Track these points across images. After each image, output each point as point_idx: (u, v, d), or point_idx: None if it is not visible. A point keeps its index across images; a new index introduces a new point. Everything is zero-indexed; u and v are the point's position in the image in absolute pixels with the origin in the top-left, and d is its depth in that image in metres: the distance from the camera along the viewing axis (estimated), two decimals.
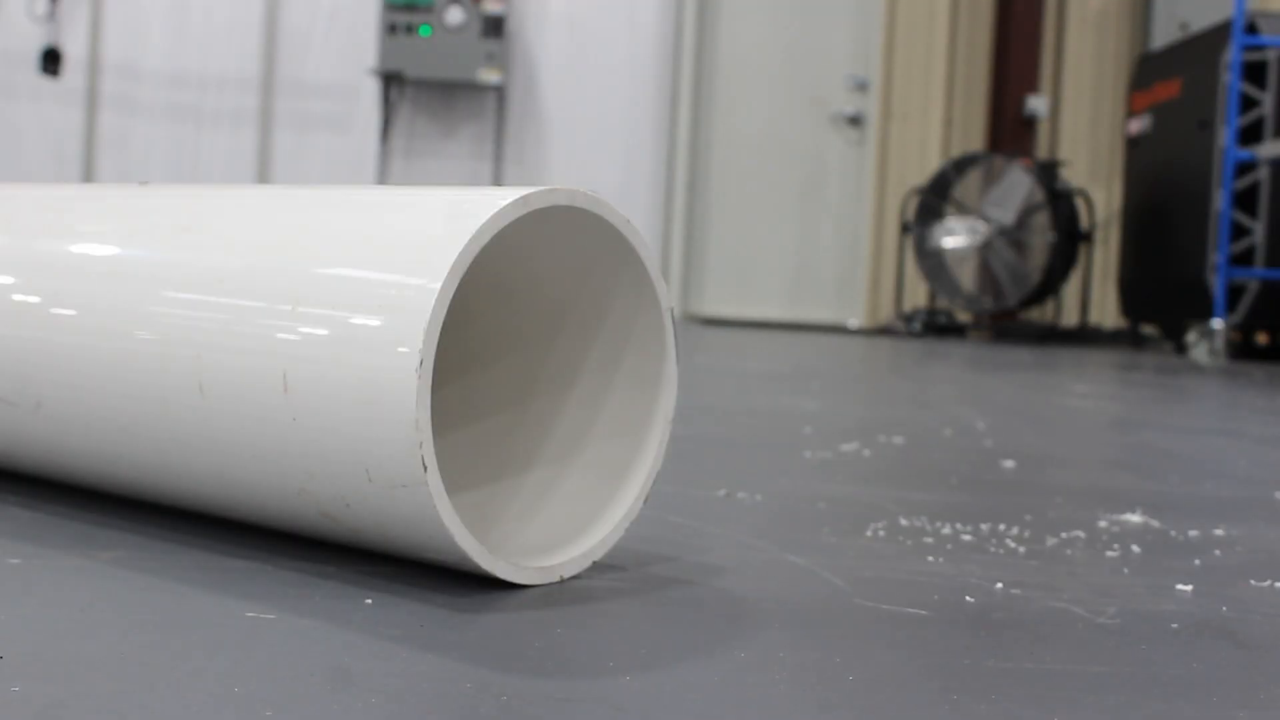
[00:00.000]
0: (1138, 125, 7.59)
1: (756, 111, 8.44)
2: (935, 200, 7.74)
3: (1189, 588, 1.14)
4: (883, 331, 7.98)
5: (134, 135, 8.27)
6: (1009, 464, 2.00)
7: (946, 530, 1.36)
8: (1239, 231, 6.57)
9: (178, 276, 1.14)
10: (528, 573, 1.03)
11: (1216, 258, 6.41)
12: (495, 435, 1.26)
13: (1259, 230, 6.56)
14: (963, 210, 7.81)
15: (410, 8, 7.77)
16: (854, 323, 8.42)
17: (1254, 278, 6.49)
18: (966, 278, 7.80)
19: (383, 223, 1.07)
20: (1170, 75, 7.24)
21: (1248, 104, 6.53)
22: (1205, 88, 6.77)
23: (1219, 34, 6.68)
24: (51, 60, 7.50)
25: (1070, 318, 8.39)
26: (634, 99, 8.30)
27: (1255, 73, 6.57)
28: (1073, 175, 8.31)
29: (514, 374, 1.27)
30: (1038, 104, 8.45)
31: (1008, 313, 7.91)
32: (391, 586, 0.99)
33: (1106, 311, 8.68)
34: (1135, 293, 7.61)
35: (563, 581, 1.06)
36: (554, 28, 8.27)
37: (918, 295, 8.31)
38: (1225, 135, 6.37)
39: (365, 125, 8.23)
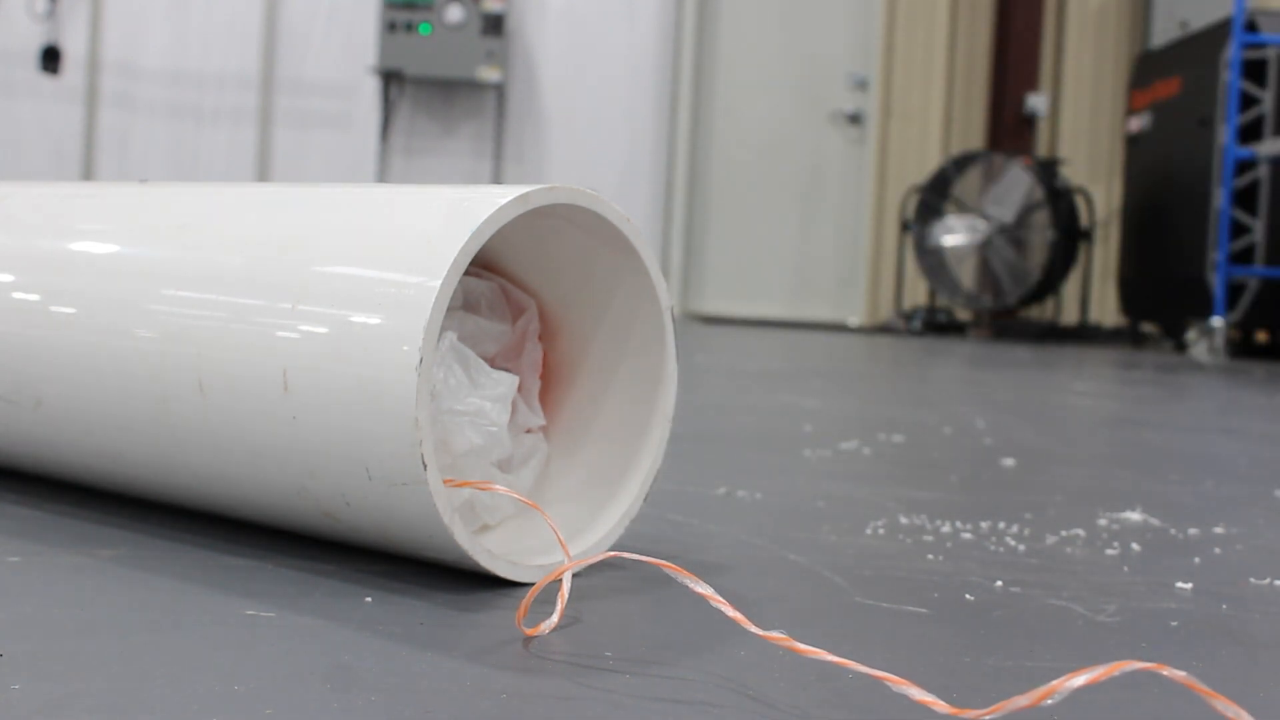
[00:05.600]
0: (1137, 123, 7.59)
1: (756, 109, 8.44)
2: (935, 198, 7.74)
3: (1189, 586, 1.14)
4: (883, 330, 7.98)
5: (134, 133, 8.26)
6: (1009, 462, 2.00)
7: (946, 528, 1.36)
8: (1239, 229, 6.57)
9: (177, 274, 1.14)
10: (527, 571, 1.03)
11: (1216, 255, 6.41)
12: None
13: (1259, 228, 6.55)
14: (962, 208, 7.81)
15: (410, 6, 7.76)
16: (854, 321, 8.42)
17: (1254, 275, 6.49)
18: (966, 276, 7.80)
19: (382, 221, 1.07)
20: (1170, 73, 7.24)
21: (1248, 102, 6.53)
22: (1205, 86, 6.76)
23: (1219, 32, 6.68)
24: (51, 58, 7.50)
25: (1070, 316, 8.39)
26: (634, 97, 8.30)
27: (1255, 71, 6.57)
28: (1072, 173, 8.31)
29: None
30: (1037, 102, 8.45)
31: (1007, 311, 7.91)
32: (391, 585, 0.99)
33: (1106, 309, 8.68)
34: (1135, 291, 7.61)
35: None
36: (554, 26, 8.26)
37: (918, 293, 8.31)
38: (1225, 133, 6.37)
39: (365, 123, 8.23)
